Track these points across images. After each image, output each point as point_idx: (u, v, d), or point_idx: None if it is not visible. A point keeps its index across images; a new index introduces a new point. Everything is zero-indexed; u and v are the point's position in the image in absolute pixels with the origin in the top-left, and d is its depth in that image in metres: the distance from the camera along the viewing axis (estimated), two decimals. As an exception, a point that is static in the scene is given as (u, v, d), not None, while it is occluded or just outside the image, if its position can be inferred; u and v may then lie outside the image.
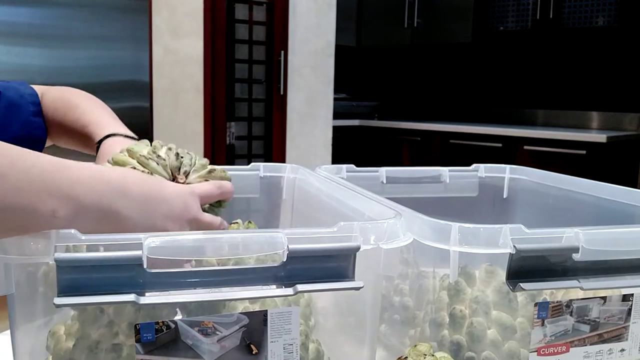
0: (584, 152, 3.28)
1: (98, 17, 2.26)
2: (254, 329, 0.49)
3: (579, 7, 3.64)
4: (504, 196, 0.83)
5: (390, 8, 4.61)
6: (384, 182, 0.77)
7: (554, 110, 4.03)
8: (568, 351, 0.55)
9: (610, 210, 0.76)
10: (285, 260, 0.45)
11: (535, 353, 0.54)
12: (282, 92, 3.32)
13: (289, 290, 0.45)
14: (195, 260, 0.48)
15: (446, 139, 3.89)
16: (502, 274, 0.52)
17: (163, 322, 0.47)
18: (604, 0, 3.54)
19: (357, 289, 0.47)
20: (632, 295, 0.56)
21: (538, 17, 3.80)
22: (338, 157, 3.62)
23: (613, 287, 0.53)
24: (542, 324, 0.54)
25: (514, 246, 0.48)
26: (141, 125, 2.43)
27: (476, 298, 0.54)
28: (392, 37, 4.70)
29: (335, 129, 3.58)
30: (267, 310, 0.49)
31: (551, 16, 3.73)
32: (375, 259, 0.50)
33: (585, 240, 0.49)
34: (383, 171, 0.78)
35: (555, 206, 0.79)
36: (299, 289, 0.45)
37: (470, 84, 4.49)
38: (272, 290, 0.46)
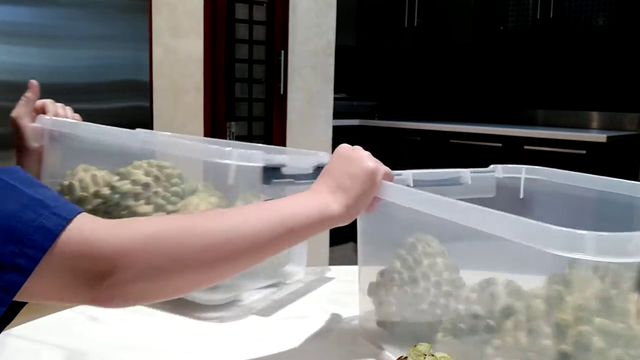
0: (584, 152, 3.28)
1: (98, 17, 2.26)
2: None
3: (579, 7, 3.64)
4: (521, 196, 0.84)
5: (390, 8, 4.61)
6: (411, 185, 0.78)
7: (554, 110, 4.03)
8: None
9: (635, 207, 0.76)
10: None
11: None
12: (282, 92, 3.32)
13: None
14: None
15: (446, 138, 3.89)
16: (597, 280, 0.53)
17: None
18: (604, 0, 3.54)
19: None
20: None
21: (538, 17, 3.80)
22: (338, 157, 3.61)
23: None
24: None
25: None
26: (141, 124, 2.43)
27: (580, 306, 0.53)
28: (392, 37, 4.70)
29: (335, 128, 3.58)
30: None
31: (551, 16, 3.72)
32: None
33: None
34: (409, 174, 0.80)
35: (574, 205, 0.80)
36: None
37: (470, 84, 4.48)
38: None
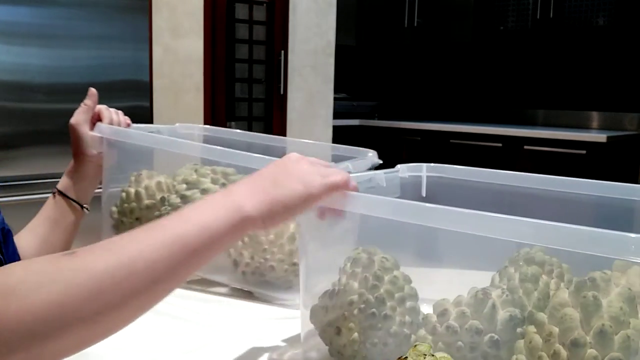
0: (584, 152, 3.28)
1: (98, 17, 2.26)
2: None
3: (579, 7, 3.64)
4: (423, 194, 0.85)
5: (390, 8, 4.61)
6: None
7: (554, 110, 4.03)
8: None
9: (534, 197, 0.79)
10: None
11: None
12: (282, 92, 3.32)
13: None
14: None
15: (446, 138, 3.89)
16: (614, 280, 0.52)
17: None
18: (604, 0, 3.54)
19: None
20: None
21: (538, 17, 3.80)
22: (338, 157, 3.61)
23: None
24: None
25: None
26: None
27: (620, 309, 0.52)
28: (392, 37, 4.70)
29: (335, 128, 3.58)
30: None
31: (551, 16, 3.72)
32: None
33: None
34: None
35: (474, 200, 0.81)
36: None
37: (470, 84, 4.48)
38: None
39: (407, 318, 0.64)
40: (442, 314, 0.60)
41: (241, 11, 3.21)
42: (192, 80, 2.97)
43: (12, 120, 2.08)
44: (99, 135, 0.97)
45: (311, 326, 0.70)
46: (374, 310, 0.64)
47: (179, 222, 0.54)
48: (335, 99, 3.60)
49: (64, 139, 2.20)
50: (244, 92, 3.30)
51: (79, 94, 2.56)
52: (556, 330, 0.53)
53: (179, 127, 1.25)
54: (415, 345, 0.55)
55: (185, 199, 0.96)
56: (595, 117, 3.84)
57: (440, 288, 0.64)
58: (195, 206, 0.56)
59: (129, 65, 2.39)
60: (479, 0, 4.09)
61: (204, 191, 0.95)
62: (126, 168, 1.03)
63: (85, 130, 0.96)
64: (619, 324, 0.51)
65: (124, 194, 1.02)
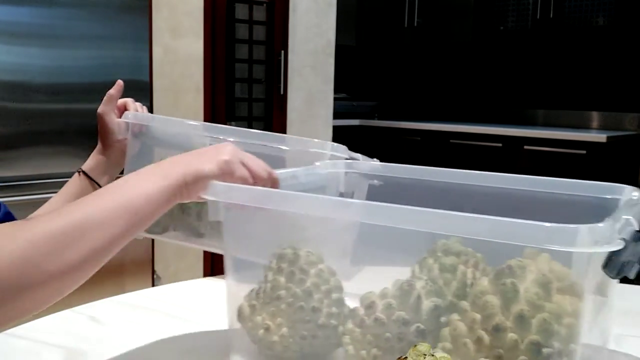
0: (584, 152, 3.28)
1: (98, 17, 2.26)
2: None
3: (579, 6, 3.64)
4: (342, 190, 0.87)
5: (390, 8, 4.61)
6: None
7: (554, 110, 4.03)
8: None
9: (455, 192, 0.84)
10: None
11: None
12: (282, 92, 3.32)
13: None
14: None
15: (446, 138, 3.89)
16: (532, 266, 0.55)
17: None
18: (604, 0, 3.54)
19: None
20: None
21: (538, 17, 3.80)
22: (338, 157, 3.61)
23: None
24: None
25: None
26: (141, 125, 2.42)
27: (536, 294, 0.54)
28: (392, 37, 4.70)
29: (335, 128, 3.58)
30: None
31: (551, 16, 3.73)
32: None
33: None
34: None
35: (392, 195, 0.83)
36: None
37: (470, 84, 4.48)
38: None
39: (334, 309, 0.66)
40: (369, 306, 0.61)
41: (241, 11, 3.21)
42: (192, 80, 2.97)
43: (12, 120, 2.08)
44: (125, 121, 1.02)
45: (238, 326, 0.71)
46: (302, 303, 0.65)
47: (125, 189, 0.62)
48: (335, 99, 3.60)
49: (64, 139, 2.20)
50: (244, 92, 3.30)
51: (79, 94, 2.56)
52: (478, 317, 0.56)
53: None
54: (416, 345, 0.56)
55: None
56: (595, 117, 3.84)
57: (360, 282, 0.65)
58: (138, 174, 0.65)
59: (129, 65, 2.39)
60: (479, 0, 4.09)
61: None
62: (149, 156, 1.06)
63: (110, 118, 1.02)
64: (535, 308, 0.54)
65: None
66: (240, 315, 0.70)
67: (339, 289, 0.67)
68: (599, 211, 0.72)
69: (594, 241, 0.50)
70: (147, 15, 2.43)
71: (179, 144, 1.01)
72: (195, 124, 1.00)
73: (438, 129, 3.96)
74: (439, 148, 3.93)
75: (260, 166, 0.69)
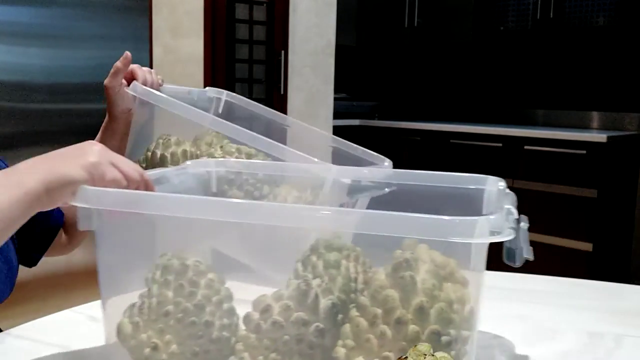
0: (584, 152, 3.28)
1: (98, 17, 2.26)
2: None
3: (580, 6, 3.64)
4: (213, 190, 0.88)
5: (390, 8, 4.61)
6: None
7: (554, 110, 4.03)
8: None
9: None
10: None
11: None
12: (282, 92, 3.32)
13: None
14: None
15: (447, 138, 3.89)
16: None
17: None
18: (604, 0, 3.54)
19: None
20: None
21: (538, 17, 3.80)
22: (338, 157, 3.61)
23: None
24: None
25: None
26: (141, 125, 2.43)
27: (433, 285, 0.56)
28: (392, 37, 4.70)
29: (335, 128, 3.58)
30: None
31: (552, 16, 3.72)
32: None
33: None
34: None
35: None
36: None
37: (470, 84, 4.48)
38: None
39: (226, 321, 0.62)
40: (265, 310, 0.59)
41: (241, 11, 3.21)
42: (192, 80, 2.97)
43: (12, 120, 2.08)
44: (132, 93, 1.01)
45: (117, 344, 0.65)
46: (193, 318, 0.61)
47: None
48: (335, 99, 3.60)
49: (64, 139, 2.21)
50: (244, 92, 3.30)
51: (79, 94, 2.56)
52: (380, 311, 0.56)
53: (209, 90, 1.25)
54: (416, 345, 0.56)
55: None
56: (595, 117, 3.84)
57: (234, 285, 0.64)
58: None
59: (129, 65, 2.39)
60: (479, 0, 4.08)
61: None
62: (154, 128, 1.07)
63: (115, 91, 1.01)
64: (432, 299, 0.55)
65: (149, 154, 1.01)
66: (120, 333, 0.63)
67: (229, 298, 0.63)
68: (463, 201, 0.76)
69: (490, 232, 0.52)
70: (147, 15, 2.43)
71: (185, 126, 0.99)
72: (203, 115, 0.98)
73: (438, 129, 3.96)
74: (439, 148, 3.93)
75: (131, 167, 0.65)
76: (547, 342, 0.85)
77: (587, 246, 3.29)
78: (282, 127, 1.22)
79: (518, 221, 0.59)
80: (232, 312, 0.63)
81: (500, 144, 3.62)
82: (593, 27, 3.61)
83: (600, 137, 3.26)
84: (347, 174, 0.85)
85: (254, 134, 0.92)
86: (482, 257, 0.57)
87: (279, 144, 0.91)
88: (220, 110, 1.12)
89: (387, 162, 1.04)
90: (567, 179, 3.34)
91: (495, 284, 1.07)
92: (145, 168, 1.01)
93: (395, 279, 0.56)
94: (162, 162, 1.01)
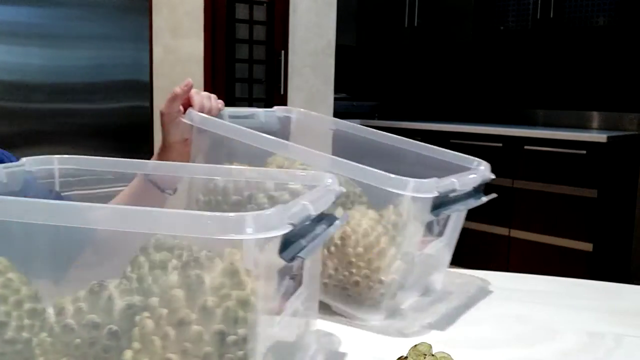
0: (584, 152, 3.28)
1: (98, 17, 2.26)
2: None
3: (580, 6, 3.64)
4: (57, 189, 0.83)
5: (390, 8, 4.61)
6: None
7: (554, 110, 4.03)
8: None
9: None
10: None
11: None
12: (282, 92, 3.32)
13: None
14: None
15: (447, 138, 3.89)
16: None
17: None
18: (604, 0, 3.54)
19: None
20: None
21: (539, 17, 3.80)
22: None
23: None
24: None
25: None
26: (141, 125, 2.43)
27: (221, 283, 0.55)
28: (392, 37, 4.70)
29: (336, 128, 3.58)
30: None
31: (552, 16, 3.73)
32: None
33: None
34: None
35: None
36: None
37: (470, 84, 4.48)
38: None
39: (27, 321, 0.60)
40: (59, 312, 0.58)
41: (241, 11, 3.21)
42: (192, 80, 2.98)
43: (12, 120, 2.08)
44: (187, 122, 0.95)
45: None
46: None
47: None
48: (335, 99, 3.60)
49: (64, 139, 2.20)
50: (244, 92, 3.30)
51: (79, 94, 2.56)
52: (165, 312, 0.55)
53: (277, 110, 1.17)
54: (416, 345, 0.55)
55: (272, 200, 0.90)
56: (595, 117, 3.84)
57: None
58: None
59: (129, 65, 2.39)
60: (479, 0, 4.08)
61: (293, 193, 0.88)
62: (216, 157, 0.99)
63: (171, 118, 0.96)
64: (221, 298, 0.53)
65: (212, 185, 0.94)
66: None
67: (34, 298, 0.61)
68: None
69: (262, 228, 0.52)
70: (147, 15, 2.43)
71: (252, 150, 0.91)
72: (280, 143, 0.90)
73: (438, 129, 3.96)
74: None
75: None
76: (547, 342, 0.85)
77: (587, 246, 3.29)
78: (363, 138, 1.14)
79: (320, 218, 0.59)
80: (35, 312, 0.60)
81: (500, 144, 3.62)
82: (593, 27, 3.61)
83: (600, 137, 3.26)
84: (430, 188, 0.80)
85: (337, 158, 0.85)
86: (266, 253, 0.56)
87: (362, 167, 0.83)
88: (291, 131, 1.03)
89: (484, 166, 0.96)
90: (567, 179, 3.34)
91: (495, 284, 1.07)
92: (209, 200, 0.95)
93: (184, 278, 0.55)
94: (224, 194, 0.93)
